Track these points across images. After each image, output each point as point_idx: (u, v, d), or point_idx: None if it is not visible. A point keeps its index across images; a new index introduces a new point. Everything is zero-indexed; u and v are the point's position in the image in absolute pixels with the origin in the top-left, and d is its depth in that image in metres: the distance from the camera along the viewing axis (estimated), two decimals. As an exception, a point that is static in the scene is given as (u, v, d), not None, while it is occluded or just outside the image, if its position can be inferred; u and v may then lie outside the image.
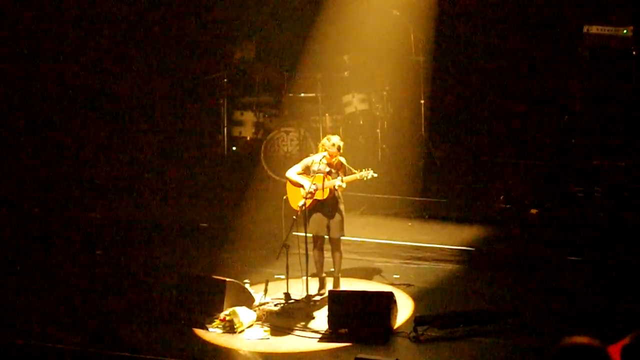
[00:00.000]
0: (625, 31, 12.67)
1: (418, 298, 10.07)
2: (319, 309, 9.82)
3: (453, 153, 14.17)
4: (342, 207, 10.12)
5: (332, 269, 10.27)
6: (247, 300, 9.71)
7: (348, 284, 10.36)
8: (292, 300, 9.94)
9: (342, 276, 10.31)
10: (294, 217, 9.80)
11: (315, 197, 9.93)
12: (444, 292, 10.28)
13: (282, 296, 9.97)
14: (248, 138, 14.28)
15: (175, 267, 11.08)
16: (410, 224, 12.17)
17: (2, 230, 12.48)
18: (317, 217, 10.03)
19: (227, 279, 9.71)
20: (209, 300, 9.59)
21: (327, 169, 9.95)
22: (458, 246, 11.19)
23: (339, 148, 9.93)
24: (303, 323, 9.54)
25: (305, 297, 9.93)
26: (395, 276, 10.74)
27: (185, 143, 14.87)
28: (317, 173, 9.91)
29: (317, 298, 10.07)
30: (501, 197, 12.43)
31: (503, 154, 13.79)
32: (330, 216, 10.02)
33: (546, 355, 3.98)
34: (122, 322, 9.61)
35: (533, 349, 8.55)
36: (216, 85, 14.39)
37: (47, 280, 10.83)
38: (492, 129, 14.18)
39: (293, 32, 14.73)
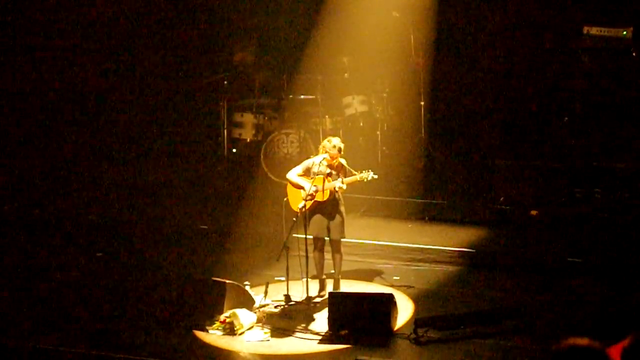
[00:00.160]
0: (624, 32, 12.68)
1: (418, 300, 10.06)
2: (319, 310, 9.82)
3: (453, 154, 14.16)
4: (342, 208, 10.11)
5: (333, 271, 10.27)
6: (247, 302, 9.71)
7: (348, 286, 10.35)
8: (292, 302, 9.93)
9: (342, 278, 10.31)
10: (294, 218, 9.81)
11: (315, 199, 9.93)
12: (444, 294, 10.28)
13: (283, 298, 9.96)
14: (248, 140, 14.26)
15: (175, 269, 11.07)
16: (410, 225, 12.17)
17: (2, 231, 12.47)
18: (317, 218, 10.02)
19: (228, 281, 9.71)
20: (209, 302, 9.59)
21: (328, 171, 9.95)
22: (458, 248, 11.19)
23: (339, 150, 9.93)
24: (303, 325, 9.53)
25: (306, 299, 9.93)
26: (395, 278, 10.74)
27: (185, 145, 14.87)
28: (317, 175, 9.92)
29: (318, 300, 10.07)
30: (501, 198, 12.43)
31: (503, 155, 13.77)
32: (330, 218, 10.02)
33: (546, 356, 3.98)
34: (122, 324, 9.60)
35: (533, 350, 8.55)
36: (216, 87, 14.40)
37: (47, 282, 10.82)
38: (492, 130, 14.17)
39: (293, 34, 14.74)
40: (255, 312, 9.63)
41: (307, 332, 9.37)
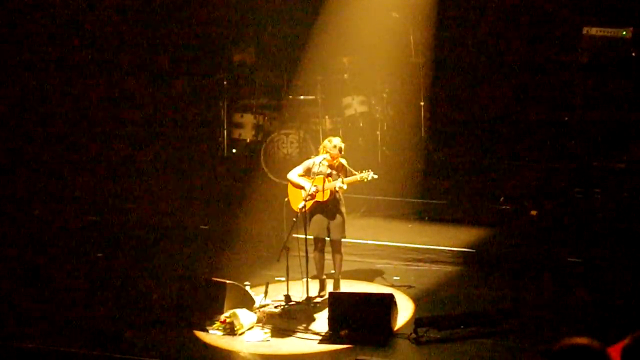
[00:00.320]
0: (624, 32, 12.69)
1: (418, 299, 10.07)
2: (319, 311, 9.82)
3: (453, 154, 14.16)
4: (343, 209, 10.11)
5: (333, 271, 10.27)
6: (247, 302, 9.71)
7: (348, 286, 10.36)
8: (292, 302, 9.93)
9: (342, 278, 10.31)
10: (294, 219, 9.81)
11: (316, 199, 9.93)
12: (444, 294, 10.28)
13: (283, 298, 9.96)
14: (248, 140, 14.26)
15: (175, 269, 11.07)
16: (410, 225, 12.18)
17: (2, 232, 12.47)
18: (318, 219, 10.03)
19: (228, 281, 9.71)
20: (209, 302, 9.60)
21: (328, 171, 9.96)
22: (458, 248, 11.19)
23: (340, 149, 9.94)
24: (303, 325, 9.53)
25: (306, 299, 9.93)
26: (395, 278, 10.74)
27: (185, 145, 14.87)
28: (317, 175, 9.92)
29: (318, 300, 10.07)
30: (501, 199, 12.43)
31: (503, 155, 13.79)
32: (331, 218, 10.02)
33: (546, 356, 3.98)
34: (122, 324, 9.60)
35: (533, 350, 8.55)
36: (216, 87, 14.39)
37: (48, 283, 10.82)
38: (492, 130, 14.17)
39: (293, 35, 14.73)
40: (256, 312, 9.64)
41: (307, 332, 9.37)
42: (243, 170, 14.03)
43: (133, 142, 14.78)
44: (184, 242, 11.99)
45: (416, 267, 11.10)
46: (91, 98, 14.77)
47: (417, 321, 9.10)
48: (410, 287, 10.42)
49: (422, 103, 13.99)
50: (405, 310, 9.68)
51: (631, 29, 12.67)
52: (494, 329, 9.07)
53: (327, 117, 13.75)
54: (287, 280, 9.91)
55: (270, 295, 9.98)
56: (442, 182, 13.35)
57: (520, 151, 13.72)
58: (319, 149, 10.34)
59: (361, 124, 13.86)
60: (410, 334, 9.01)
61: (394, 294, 9.57)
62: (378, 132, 13.83)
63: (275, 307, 9.91)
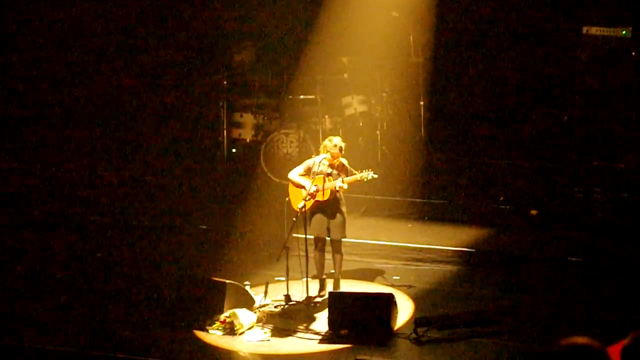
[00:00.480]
0: (624, 32, 12.68)
1: (418, 299, 10.07)
2: (319, 310, 9.82)
3: (453, 154, 14.15)
4: (344, 208, 10.11)
5: (333, 271, 10.27)
6: (247, 302, 9.71)
7: (348, 286, 10.36)
8: (292, 302, 9.94)
9: (342, 278, 10.31)
10: (294, 218, 9.81)
11: (316, 199, 9.93)
12: (444, 294, 10.29)
13: (283, 298, 9.97)
14: (248, 140, 14.26)
15: (175, 269, 11.06)
16: (410, 225, 12.17)
17: (1, 231, 12.47)
18: (318, 218, 10.03)
19: (228, 281, 9.71)
20: (209, 302, 9.60)
21: (329, 170, 9.96)
22: (458, 247, 11.19)
23: (340, 149, 9.94)
24: (303, 325, 9.54)
25: (306, 298, 9.93)
26: (395, 277, 10.74)
27: (185, 145, 14.85)
28: (317, 174, 9.92)
29: (318, 300, 10.07)
30: (501, 198, 12.43)
31: (502, 154, 13.78)
32: (331, 217, 10.02)
33: (546, 356, 3.98)
34: (122, 324, 9.60)
35: (533, 350, 8.54)
36: (216, 87, 14.39)
37: (47, 282, 10.82)
38: (492, 129, 14.16)
39: (292, 34, 14.73)
40: (255, 312, 9.64)
41: (307, 332, 9.37)
42: (243, 169, 14.03)
43: (133, 141, 14.77)
44: (183, 242, 11.99)
45: (416, 267, 11.10)
46: (91, 98, 14.76)
47: (417, 321, 9.10)
48: (410, 286, 10.42)
49: (421, 102, 13.98)
50: (405, 310, 9.68)
51: (631, 28, 12.66)
52: (493, 328, 9.07)
53: (326, 116, 13.74)
54: (287, 280, 9.91)
55: (270, 295, 9.98)
56: (442, 182, 13.34)
57: (520, 151, 13.71)
58: (320, 149, 10.34)
59: (361, 124, 13.85)
60: (410, 333, 9.01)
61: (394, 293, 9.57)
62: (378, 132, 13.82)
63: (275, 307, 9.91)
